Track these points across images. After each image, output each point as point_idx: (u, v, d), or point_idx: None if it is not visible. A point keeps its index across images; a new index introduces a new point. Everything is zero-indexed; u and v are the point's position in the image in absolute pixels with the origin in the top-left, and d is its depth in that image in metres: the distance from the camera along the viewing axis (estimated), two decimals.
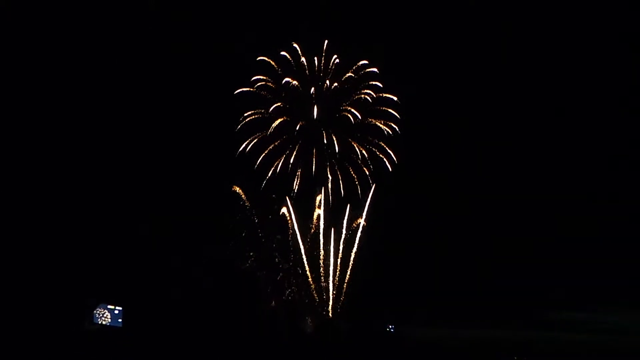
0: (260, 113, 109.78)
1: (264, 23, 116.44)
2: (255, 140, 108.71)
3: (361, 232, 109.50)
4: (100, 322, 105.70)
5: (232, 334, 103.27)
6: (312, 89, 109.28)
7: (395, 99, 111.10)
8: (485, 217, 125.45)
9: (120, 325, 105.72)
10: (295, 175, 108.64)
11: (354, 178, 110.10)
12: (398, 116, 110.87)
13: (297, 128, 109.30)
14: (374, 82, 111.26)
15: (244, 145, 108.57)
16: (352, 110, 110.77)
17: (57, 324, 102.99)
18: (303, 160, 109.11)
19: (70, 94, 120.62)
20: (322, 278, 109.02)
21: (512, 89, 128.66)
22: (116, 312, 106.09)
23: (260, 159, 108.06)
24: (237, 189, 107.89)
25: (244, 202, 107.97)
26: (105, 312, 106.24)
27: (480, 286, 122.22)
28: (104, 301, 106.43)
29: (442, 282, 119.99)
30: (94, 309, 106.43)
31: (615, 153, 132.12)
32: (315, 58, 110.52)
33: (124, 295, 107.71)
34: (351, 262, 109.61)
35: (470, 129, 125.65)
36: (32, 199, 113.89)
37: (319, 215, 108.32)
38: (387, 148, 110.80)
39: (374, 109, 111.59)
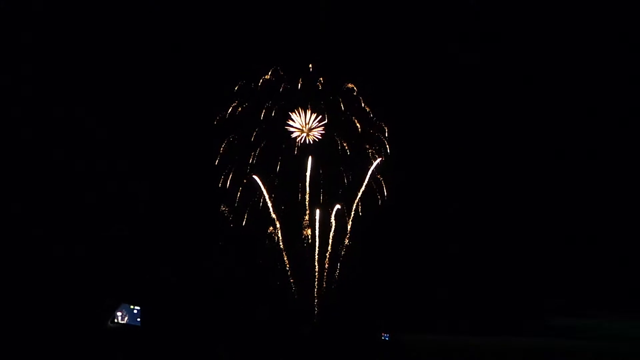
0: (241, 140, 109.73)
1: (246, 47, 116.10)
2: (233, 172, 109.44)
3: (346, 249, 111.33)
4: (118, 321, 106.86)
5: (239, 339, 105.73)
6: (296, 113, 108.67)
7: (384, 127, 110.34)
8: (484, 219, 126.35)
9: (139, 324, 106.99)
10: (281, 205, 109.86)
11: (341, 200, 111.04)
12: (387, 145, 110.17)
13: (281, 152, 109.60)
14: (361, 107, 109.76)
15: (223, 177, 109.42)
16: (338, 136, 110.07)
17: (76, 324, 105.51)
18: (287, 186, 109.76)
19: (69, 94, 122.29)
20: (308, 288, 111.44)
21: (510, 97, 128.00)
22: (135, 311, 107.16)
23: (239, 193, 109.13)
24: (225, 208, 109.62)
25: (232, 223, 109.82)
26: (124, 311, 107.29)
27: (479, 292, 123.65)
28: (122, 300, 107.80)
29: (440, 287, 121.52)
30: (113, 308, 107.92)
31: (616, 154, 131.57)
32: (300, 81, 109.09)
33: (142, 294, 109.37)
34: (336, 275, 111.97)
35: (468, 131, 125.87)
36: (45, 204, 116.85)
37: (306, 235, 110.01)
38: (377, 175, 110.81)
39: (361, 135, 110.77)
